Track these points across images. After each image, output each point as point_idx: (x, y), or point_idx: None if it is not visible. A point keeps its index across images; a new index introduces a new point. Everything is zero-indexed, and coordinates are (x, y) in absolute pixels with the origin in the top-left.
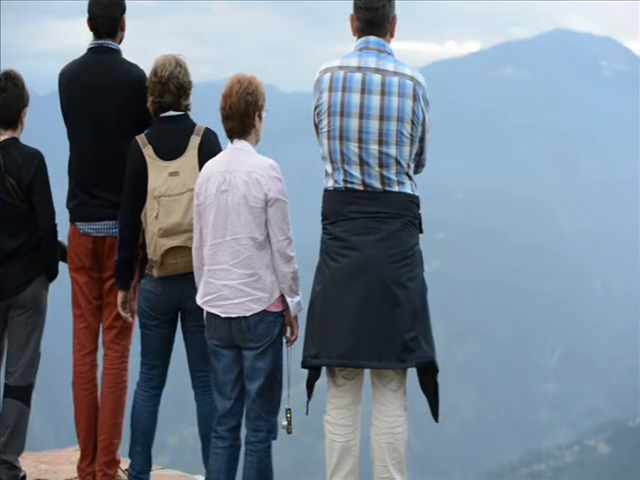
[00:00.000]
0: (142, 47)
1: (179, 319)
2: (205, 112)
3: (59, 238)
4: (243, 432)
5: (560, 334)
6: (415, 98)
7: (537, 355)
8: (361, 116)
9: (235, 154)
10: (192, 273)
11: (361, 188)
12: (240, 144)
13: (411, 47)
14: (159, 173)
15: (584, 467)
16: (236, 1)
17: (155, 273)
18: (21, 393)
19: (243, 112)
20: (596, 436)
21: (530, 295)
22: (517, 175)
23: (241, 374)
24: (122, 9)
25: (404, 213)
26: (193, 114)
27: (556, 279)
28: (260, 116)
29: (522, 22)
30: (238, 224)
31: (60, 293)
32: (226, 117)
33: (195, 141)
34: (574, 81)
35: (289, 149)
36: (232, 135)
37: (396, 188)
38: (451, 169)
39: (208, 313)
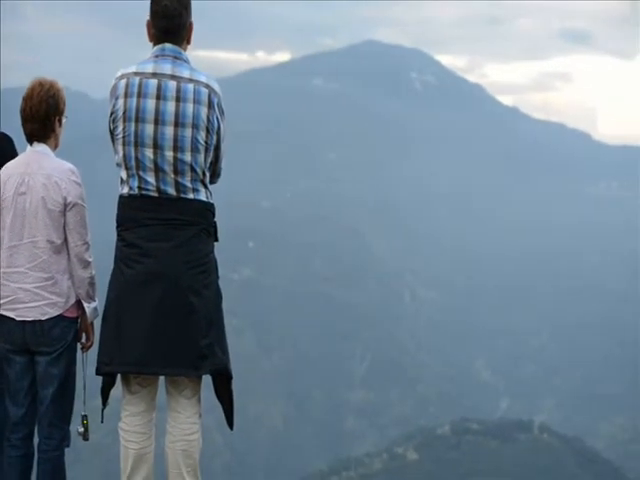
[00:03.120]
0: None
1: None
2: (17, 117)
3: None
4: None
5: (369, 343)
6: (210, 106)
7: (346, 363)
8: (156, 122)
9: (35, 157)
10: None
11: (156, 195)
12: (40, 147)
13: (221, 56)
14: None
15: (393, 474)
16: (50, 4)
17: None
18: None
19: (44, 115)
20: (405, 443)
21: (340, 304)
22: (325, 185)
23: (34, 381)
24: None
25: (199, 220)
26: (3, 119)
27: (366, 289)
28: (60, 121)
29: (333, 33)
30: (36, 227)
31: None
32: (26, 119)
33: None
34: (384, 93)
35: (98, 155)
36: (32, 138)
37: (191, 195)
38: (259, 178)
39: (2, 316)
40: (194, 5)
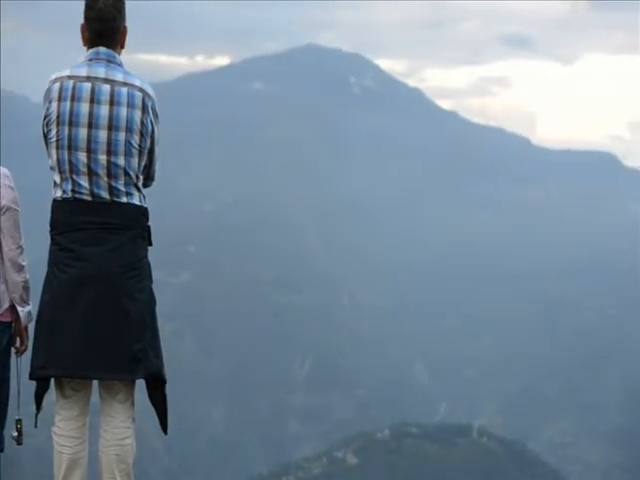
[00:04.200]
0: None
1: None
2: None
3: None
4: None
5: (310, 346)
6: (144, 109)
7: (287, 367)
8: (90, 126)
9: None
10: None
11: (89, 199)
12: None
13: (161, 60)
14: None
15: (332, 478)
16: None
17: None
18: None
19: None
20: (344, 447)
21: (280, 308)
22: (266, 188)
23: None
24: None
25: (132, 224)
26: None
27: (306, 292)
28: None
29: (273, 37)
30: None
31: None
32: None
33: None
34: (323, 97)
35: (40, 159)
36: None
37: (124, 199)
38: (200, 182)
39: None
40: (133, 7)
